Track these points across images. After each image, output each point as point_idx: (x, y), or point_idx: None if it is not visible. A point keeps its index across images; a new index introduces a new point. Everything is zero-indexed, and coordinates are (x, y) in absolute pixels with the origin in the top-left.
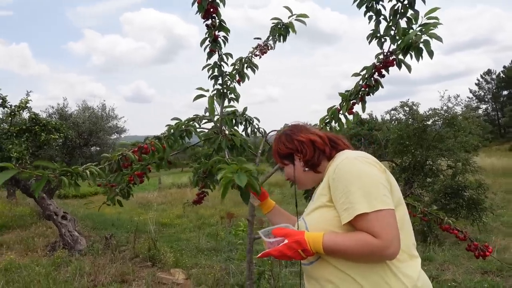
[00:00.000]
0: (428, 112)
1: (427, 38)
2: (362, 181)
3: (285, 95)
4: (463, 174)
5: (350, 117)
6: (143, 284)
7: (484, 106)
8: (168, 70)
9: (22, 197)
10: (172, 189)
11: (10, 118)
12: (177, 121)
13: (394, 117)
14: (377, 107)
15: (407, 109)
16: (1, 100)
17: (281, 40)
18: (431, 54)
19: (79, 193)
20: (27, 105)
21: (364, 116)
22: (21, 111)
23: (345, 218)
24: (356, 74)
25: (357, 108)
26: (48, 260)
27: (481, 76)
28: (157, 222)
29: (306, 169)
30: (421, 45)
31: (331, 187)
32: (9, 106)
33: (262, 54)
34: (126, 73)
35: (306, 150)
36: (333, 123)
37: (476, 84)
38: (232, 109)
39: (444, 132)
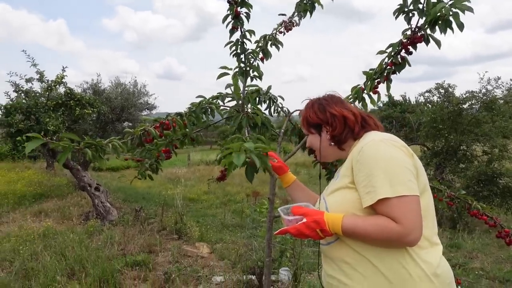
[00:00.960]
0: (465, 95)
1: (457, 10)
2: (386, 165)
3: (315, 74)
4: (500, 161)
5: (375, 96)
6: (169, 255)
7: None
8: (198, 48)
9: (60, 168)
10: (200, 166)
11: (47, 93)
12: (202, 98)
13: (428, 100)
14: (412, 88)
15: (442, 91)
16: (38, 75)
17: (307, 16)
18: (461, 27)
19: (112, 166)
20: (63, 80)
21: (397, 97)
22: (57, 86)
23: (367, 202)
24: (381, 52)
25: (382, 87)
26: (82, 228)
27: None
28: (185, 197)
29: (332, 143)
30: (450, 18)
31: (354, 169)
32: (46, 81)
33: (287, 31)
34: (158, 50)
35: (336, 125)
36: (356, 103)
37: None
38: (256, 87)
39: (481, 117)
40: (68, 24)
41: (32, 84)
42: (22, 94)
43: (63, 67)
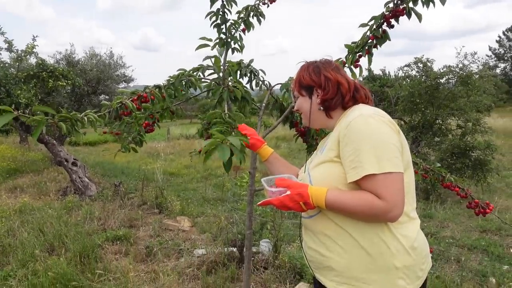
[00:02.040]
0: (442, 69)
1: None
2: (374, 141)
3: (297, 47)
4: (473, 135)
5: (356, 70)
6: (150, 229)
7: (502, 65)
8: (177, 18)
9: (34, 142)
10: (180, 140)
11: (17, 63)
12: (181, 71)
13: (407, 74)
14: (392, 62)
15: (421, 65)
16: (7, 45)
17: None
18: (443, 1)
19: (90, 141)
20: (34, 50)
21: (377, 71)
22: (28, 57)
23: (352, 177)
24: (363, 25)
25: (363, 61)
26: (60, 204)
27: (503, 32)
28: (165, 172)
29: (321, 108)
30: None
31: (340, 143)
32: (15, 51)
33: (271, 3)
34: (134, 19)
35: (328, 89)
36: None
37: (497, 41)
38: (237, 61)
39: (457, 91)
40: None
41: (0, 54)
42: None
43: (33, 36)
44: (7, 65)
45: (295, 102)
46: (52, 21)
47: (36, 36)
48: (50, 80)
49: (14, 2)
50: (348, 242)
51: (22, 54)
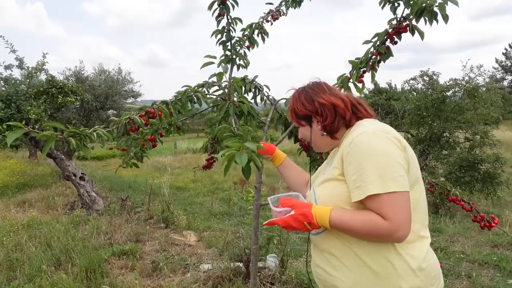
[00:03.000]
0: (448, 82)
1: (442, 1)
2: (377, 159)
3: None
4: (481, 147)
5: (360, 85)
6: (156, 244)
7: (510, 77)
8: (184, 34)
9: (43, 157)
10: (187, 154)
11: (27, 80)
12: (187, 87)
13: (413, 87)
14: (397, 76)
15: (427, 78)
16: (18, 62)
17: (295, 6)
18: (445, 18)
19: (97, 155)
20: (44, 67)
21: (383, 85)
22: (38, 73)
23: (356, 196)
24: (367, 42)
25: (367, 76)
26: (68, 218)
27: (510, 45)
28: (172, 186)
29: (324, 133)
30: (435, 9)
31: (344, 161)
32: (26, 68)
33: (274, 20)
34: (141, 36)
35: (326, 114)
36: (342, 91)
37: (503, 53)
38: (242, 77)
39: (464, 104)
40: (46, 8)
41: (12, 71)
42: (1, 82)
43: (43, 53)
44: (18, 81)
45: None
46: (61, 39)
47: (46, 53)
48: (59, 96)
49: (25, 20)
50: (353, 261)
51: (33, 71)
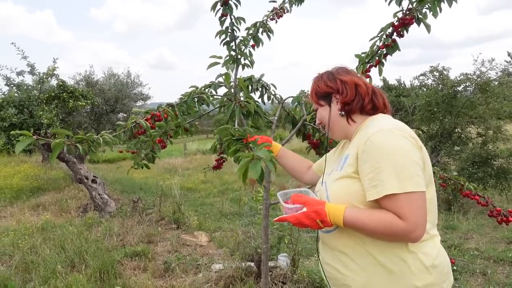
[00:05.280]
0: (459, 77)
1: None
2: (395, 158)
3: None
4: (494, 143)
5: (367, 80)
6: (168, 245)
7: None
8: (190, 37)
9: (56, 161)
10: (197, 155)
11: (39, 85)
12: (194, 88)
13: (423, 83)
14: (407, 72)
15: (437, 74)
16: (30, 68)
17: (297, 3)
18: (450, 2)
19: (108, 158)
20: (55, 72)
21: (392, 81)
22: (49, 79)
23: (372, 195)
24: (374, 38)
25: (374, 71)
26: (81, 220)
27: None
28: (182, 187)
29: (343, 112)
30: None
31: (359, 159)
32: (37, 74)
33: (278, 18)
34: (148, 39)
35: (347, 92)
36: None
37: None
38: (248, 76)
39: (476, 99)
40: (56, 15)
41: (24, 77)
42: (14, 88)
43: (54, 59)
44: (30, 87)
45: (316, 115)
46: (71, 44)
47: (57, 59)
48: (70, 100)
49: (35, 27)
50: (366, 260)
51: (44, 77)
